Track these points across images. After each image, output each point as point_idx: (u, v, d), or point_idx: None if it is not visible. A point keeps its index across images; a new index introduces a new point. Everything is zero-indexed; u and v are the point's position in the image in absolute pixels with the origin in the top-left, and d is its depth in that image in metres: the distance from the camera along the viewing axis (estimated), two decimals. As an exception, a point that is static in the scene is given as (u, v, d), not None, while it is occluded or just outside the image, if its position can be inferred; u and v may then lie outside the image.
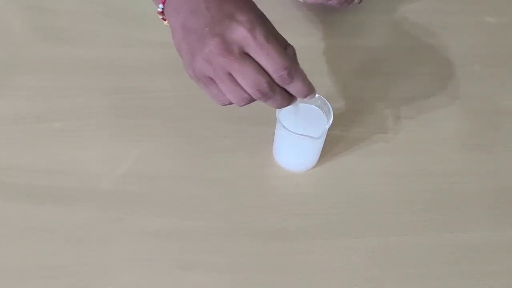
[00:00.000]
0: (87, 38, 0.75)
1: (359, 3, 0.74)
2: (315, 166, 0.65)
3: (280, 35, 0.51)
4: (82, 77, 0.71)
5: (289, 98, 0.52)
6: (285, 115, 0.60)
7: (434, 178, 0.65)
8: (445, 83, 0.73)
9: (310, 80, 0.52)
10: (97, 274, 0.56)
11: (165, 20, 0.56)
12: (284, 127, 0.58)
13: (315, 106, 0.62)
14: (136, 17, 0.78)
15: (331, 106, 0.60)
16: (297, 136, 0.57)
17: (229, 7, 0.49)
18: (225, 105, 0.54)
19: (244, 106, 0.52)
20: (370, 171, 0.65)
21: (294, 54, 0.51)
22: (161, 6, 0.54)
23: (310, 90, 0.52)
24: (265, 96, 0.50)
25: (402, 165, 0.66)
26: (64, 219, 0.60)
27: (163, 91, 0.70)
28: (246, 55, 0.49)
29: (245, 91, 0.50)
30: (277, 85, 0.50)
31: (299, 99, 0.53)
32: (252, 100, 0.51)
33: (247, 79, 0.49)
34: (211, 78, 0.51)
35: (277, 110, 0.59)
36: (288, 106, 0.53)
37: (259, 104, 0.67)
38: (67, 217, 0.60)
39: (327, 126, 0.59)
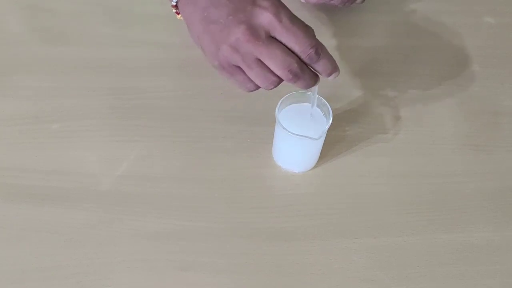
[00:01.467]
0: (87, 38, 0.75)
1: (361, 2, 0.74)
2: (314, 167, 0.65)
3: (299, 18, 0.52)
4: (82, 77, 0.71)
5: (316, 78, 0.54)
6: (285, 115, 0.60)
7: (433, 178, 0.65)
8: (445, 83, 0.73)
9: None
10: (97, 274, 0.56)
11: (178, 13, 0.56)
12: (283, 127, 0.58)
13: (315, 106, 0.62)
14: (136, 17, 0.78)
15: (331, 107, 0.60)
16: (297, 136, 0.57)
17: None
18: (251, 91, 0.55)
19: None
20: (370, 171, 0.65)
21: (314, 34, 0.53)
22: (174, 0, 0.55)
23: (335, 67, 0.53)
24: (295, 77, 0.51)
25: (402, 165, 0.66)
26: (63, 220, 0.60)
27: (162, 91, 0.70)
28: (272, 39, 0.50)
29: (273, 74, 0.51)
30: (305, 64, 0.52)
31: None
32: (280, 82, 0.53)
33: (277, 62, 0.50)
34: (237, 66, 0.52)
35: (276, 110, 0.59)
36: (313, 88, 0.55)
37: (259, 104, 0.67)
38: (67, 218, 0.60)
39: (327, 127, 0.59)
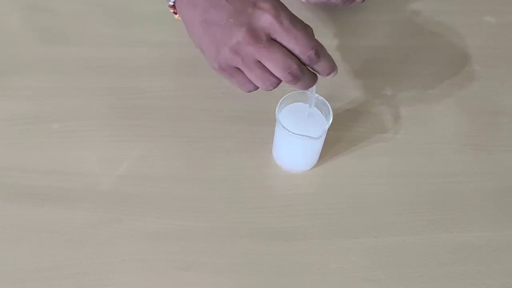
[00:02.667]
0: (87, 38, 0.75)
1: (361, 2, 0.74)
2: (314, 166, 0.65)
3: (299, 18, 0.52)
4: (81, 77, 0.71)
5: (315, 78, 0.54)
6: (285, 115, 0.60)
7: (433, 178, 0.65)
8: (445, 83, 0.73)
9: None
10: (97, 274, 0.56)
11: (176, 13, 0.56)
12: (283, 127, 0.58)
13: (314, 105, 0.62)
14: (136, 17, 0.78)
15: (331, 106, 0.60)
16: (297, 136, 0.57)
17: None
18: (251, 91, 0.55)
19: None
20: (370, 171, 0.65)
21: (313, 33, 0.52)
22: (172, 0, 0.54)
23: (333, 67, 0.54)
24: (295, 79, 0.52)
25: (401, 165, 0.66)
26: (63, 220, 0.60)
27: (162, 91, 0.70)
28: (273, 41, 0.50)
29: (273, 75, 0.51)
30: (305, 66, 0.52)
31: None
32: (279, 83, 0.53)
33: (278, 64, 0.50)
34: (237, 68, 0.52)
35: (276, 110, 0.59)
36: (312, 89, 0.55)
37: (259, 104, 0.67)
38: (67, 218, 0.60)
39: (327, 126, 0.59)
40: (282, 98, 0.60)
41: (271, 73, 0.51)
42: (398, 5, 0.81)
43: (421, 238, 0.60)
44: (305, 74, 0.52)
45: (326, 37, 0.76)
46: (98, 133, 0.66)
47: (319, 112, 0.61)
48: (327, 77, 0.54)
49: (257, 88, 0.54)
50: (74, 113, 0.67)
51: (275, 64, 0.50)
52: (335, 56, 0.73)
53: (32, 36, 0.75)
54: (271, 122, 0.61)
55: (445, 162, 0.66)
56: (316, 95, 0.60)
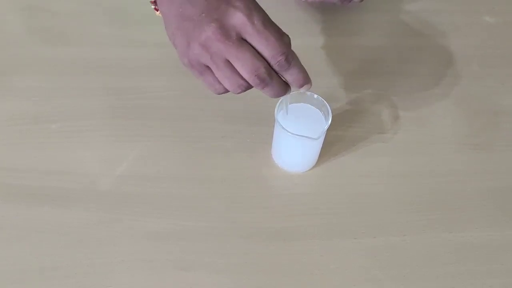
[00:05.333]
0: (87, 38, 0.75)
1: (360, 1, 0.73)
2: (314, 167, 0.65)
3: (275, 24, 0.51)
4: (81, 78, 0.71)
5: (286, 87, 0.53)
6: (284, 115, 0.60)
7: (433, 178, 0.65)
8: (444, 83, 0.73)
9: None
10: (97, 275, 0.56)
11: (157, 10, 0.56)
12: (283, 127, 0.58)
13: (313, 106, 0.62)
14: (135, 17, 0.78)
15: (330, 107, 0.60)
16: (296, 136, 0.57)
17: None
18: (220, 93, 0.54)
19: (240, 94, 0.53)
20: (369, 171, 0.65)
21: (290, 43, 0.51)
22: None
23: (306, 79, 0.52)
24: (262, 82, 0.50)
25: (401, 165, 0.66)
26: (63, 220, 0.60)
27: (162, 91, 0.70)
28: (243, 41, 0.49)
29: (242, 77, 0.50)
30: (275, 72, 0.51)
31: (292, 93, 0.54)
32: (248, 87, 0.52)
33: (245, 64, 0.49)
34: (207, 66, 0.51)
35: (276, 110, 0.59)
36: (284, 100, 0.53)
37: (258, 104, 0.67)
38: (67, 218, 0.60)
39: (326, 127, 0.59)
40: (281, 99, 0.59)
41: (240, 74, 0.50)
42: (397, 5, 0.81)
43: (421, 238, 0.60)
44: (273, 79, 0.51)
45: (325, 36, 0.75)
46: (98, 133, 0.66)
47: (319, 112, 0.61)
48: (300, 89, 0.53)
49: (226, 90, 0.53)
50: (74, 113, 0.68)
51: (242, 64, 0.49)
52: (335, 55, 0.73)
53: (32, 36, 0.75)
54: (271, 122, 0.61)
55: (445, 162, 0.66)
56: (315, 95, 0.60)
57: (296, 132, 0.57)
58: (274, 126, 0.61)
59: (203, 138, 0.66)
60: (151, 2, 0.55)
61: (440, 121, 0.70)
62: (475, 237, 0.61)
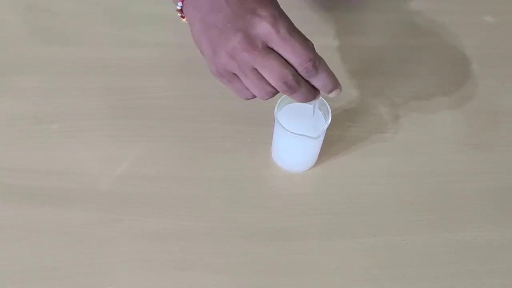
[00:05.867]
0: (86, 39, 0.75)
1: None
2: (314, 166, 0.65)
3: (299, 30, 0.51)
4: (81, 78, 0.71)
5: (315, 92, 0.53)
6: (284, 115, 0.60)
7: (433, 178, 0.65)
8: (444, 83, 0.73)
9: None
10: (97, 275, 0.56)
11: (183, 17, 0.56)
12: (283, 127, 0.58)
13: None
14: (136, 17, 0.78)
15: (330, 106, 0.60)
16: (296, 136, 0.57)
17: (250, 2, 0.50)
18: (249, 99, 0.54)
19: (268, 99, 0.53)
20: (369, 171, 0.65)
21: (314, 48, 0.52)
22: (180, 4, 0.55)
23: (334, 85, 0.53)
24: (291, 89, 0.51)
25: (401, 165, 0.66)
26: (63, 220, 0.60)
27: (162, 91, 0.70)
28: (270, 50, 0.50)
29: (269, 84, 0.51)
30: (302, 78, 0.51)
31: (321, 99, 0.54)
32: (276, 93, 0.52)
33: (273, 73, 0.50)
34: (234, 74, 0.52)
35: (275, 110, 0.59)
36: (313, 103, 0.54)
37: (258, 104, 0.67)
38: (67, 218, 0.60)
39: (326, 126, 0.59)
40: (280, 98, 0.60)
41: (267, 82, 0.51)
42: (398, 4, 0.81)
43: (421, 238, 0.60)
44: (301, 86, 0.51)
45: (326, 36, 0.76)
46: (98, 133, 0.66)
47: (318, 112, 0.61)
48: (329, 95, 0.53)
49: (254, 96, 0.53)
50: (74, 113, 0.68)
51: (270, 72, 0.50)
52: (335, 55, 0.74)
53: (32, 36, 0.75)
54: (271, 122, 0.61)
55: (445, 162, 0.66)
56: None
57: (296, 131, 0.57)
58: (274, 125, 0.61)
59: (203, 138, 0.66)
60: (177, 10, 0.56)
61: (440, 121, 0.70)
62: (475, 237, 0.61)
